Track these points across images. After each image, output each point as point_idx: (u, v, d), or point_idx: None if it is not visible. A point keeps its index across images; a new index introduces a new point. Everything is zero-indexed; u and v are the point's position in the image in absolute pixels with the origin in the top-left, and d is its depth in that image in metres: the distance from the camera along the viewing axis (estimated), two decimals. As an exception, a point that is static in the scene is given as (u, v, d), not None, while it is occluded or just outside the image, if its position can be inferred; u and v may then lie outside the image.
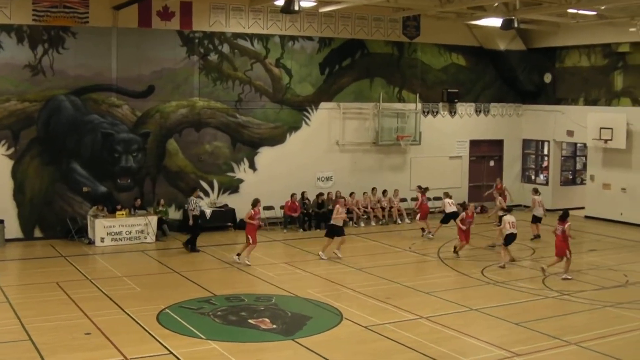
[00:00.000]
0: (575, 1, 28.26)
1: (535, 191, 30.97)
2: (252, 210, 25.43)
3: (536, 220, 30.27)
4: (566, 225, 23.64)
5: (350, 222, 33.03)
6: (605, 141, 34.37)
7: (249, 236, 25.22)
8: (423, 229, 30.59)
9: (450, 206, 29.99)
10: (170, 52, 30.54)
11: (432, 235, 30.18)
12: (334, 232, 26.46)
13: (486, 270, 24.80)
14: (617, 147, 34.16)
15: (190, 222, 27.68)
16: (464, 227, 26.72)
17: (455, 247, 27.15)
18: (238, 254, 25.52)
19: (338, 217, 26.43)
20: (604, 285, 23.28)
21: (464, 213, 27.10)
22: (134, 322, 18.51)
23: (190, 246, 27.54)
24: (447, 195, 30.54)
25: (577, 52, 37.33)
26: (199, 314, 19.43)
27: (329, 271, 24.59)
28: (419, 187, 31.81)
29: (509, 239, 25.86)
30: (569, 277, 23.52)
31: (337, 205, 26.94)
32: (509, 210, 27.53)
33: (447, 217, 30.03)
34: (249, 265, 25.01)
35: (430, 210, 31.64)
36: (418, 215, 30.90)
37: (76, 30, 28.74)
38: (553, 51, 38.29)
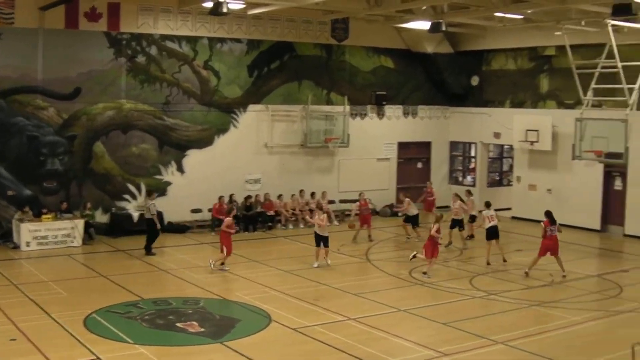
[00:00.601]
0: (502, 5, 28.59)
1: (469, 192, 31.30)
2: (229, 218, 25.34)
3: (471, 219, 30.54)
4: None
5: (279, 225, 33.13)
6: (532, 143, 34.88)
7: (224, 245, 25.01)
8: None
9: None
10: (98, 54, 30.22)
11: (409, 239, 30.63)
12: (320, 239, 26.08)
13: (414, 271, 24.96)
14: (543, 149, 34.69)
15: (158, 225, 27.73)
16: (440, 236, 25.32)
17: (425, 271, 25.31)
18: (213, 262, 25.23)
19: (319, 224, 26.14)
20: (530, 285, 23.63)
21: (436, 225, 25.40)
22: (61, 328, 18.32)
23: (146, 250, 27.56)
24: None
25: (504, 55, 37.83)
26: (126, 318, 19.30)
27: (258, 274, 24.56)
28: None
29: (489, 232, 26.29)
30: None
31: (315, 216, 26.82)
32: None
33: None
34: (224, 270, 24.91)
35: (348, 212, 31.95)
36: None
37: (1, 31, 28.27)
38: (480, 54, 38.75)
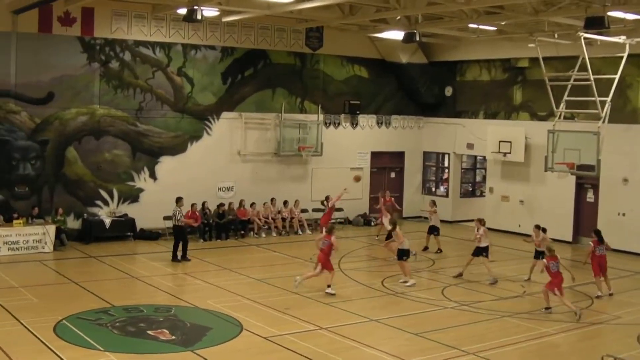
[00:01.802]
0: (476, 16, 28.74)
1: (434, 203, 31.33)
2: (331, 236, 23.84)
3: (432, 231, 30.60)
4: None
5: (251, 233, 33.07)
6: (504, 154, 35.02)
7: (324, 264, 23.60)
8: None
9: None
10: (71, 59, 30.08)
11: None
12: None
13: (386, 281, 24.97)
14: (516, 160, 34.86)
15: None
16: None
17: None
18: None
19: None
20: (502, 296, 23.70)
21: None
22: (30, 334, 18.16)
23: (182, 255, 27.59)
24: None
25: (478, 66, 38.02)
26: (96, 325, 19.16)
27: (229, 282, 24.48)
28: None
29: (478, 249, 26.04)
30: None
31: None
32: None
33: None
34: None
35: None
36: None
37: (-26, 35, 28.22)
38: (454, 65, 38.93)
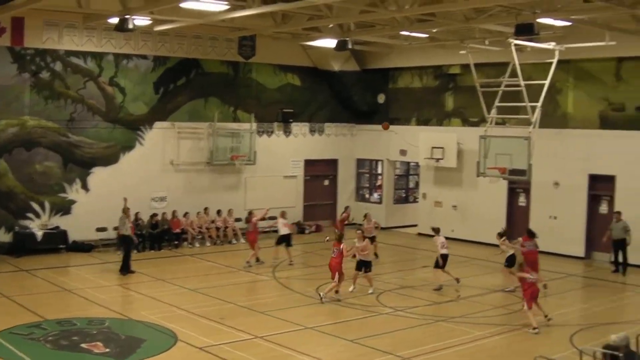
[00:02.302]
0: (408, 24, 28.90)
1: (369, 218, 31.29)
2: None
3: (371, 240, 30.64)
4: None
5: (185, 243, 32.92)
6: (437, 160, 35.32)
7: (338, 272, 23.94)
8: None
9: (283, 227, 29.90)
10: (1, 69, 29.65)
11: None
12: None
13: (320, 288, 24.99)
14: (448, 166, 35.19)
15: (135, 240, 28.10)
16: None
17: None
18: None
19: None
20: (436, 301, 23.92)
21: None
22: (-39, 350, 17.93)
23: (124, 269, 27.31)
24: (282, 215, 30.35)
25: (410, 74, 38.30)
26: (29, 339, 18.90)
27: (163, 293, 24.32)
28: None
29: (444, 259, 25.90)
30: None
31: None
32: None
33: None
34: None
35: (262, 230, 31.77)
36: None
37: None
38: (386, 72, 39.17)
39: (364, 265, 24.90)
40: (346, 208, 34.12)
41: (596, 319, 22.18)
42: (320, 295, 23.68)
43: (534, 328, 20.52)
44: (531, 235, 25.64)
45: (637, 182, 29.82)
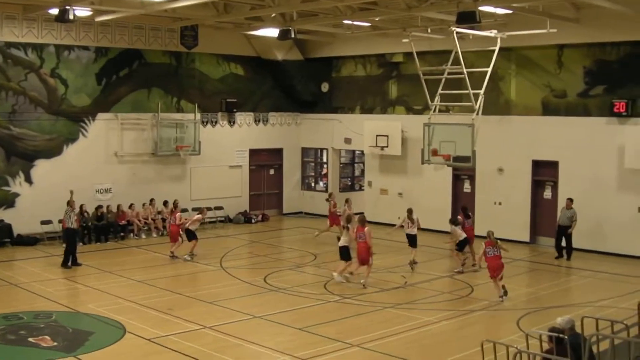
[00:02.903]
0: (350, 13, 28.99)
1: (347, 201, 31.44)
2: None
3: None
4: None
5: (131, 235, 32.76)
6: (382, 148, 35.47)
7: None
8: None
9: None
10: (-61, 63, 29.35)
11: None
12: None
13: (269, 277, 25.02)
14: (393, 154, 35.35)
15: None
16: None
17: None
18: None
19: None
20: (383, 288, 24.05)
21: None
22: None
23: (72, 261, 27.05)
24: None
25: (353, 62, 38.39)
26: (-25, 334, 18.77)
27: (110, 285, 24.19)
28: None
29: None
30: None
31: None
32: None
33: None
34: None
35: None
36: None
37: None
38: (330, 61, 39.21)
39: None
40: (330, 194, 34.13)
41: (542, 303, 22.46)
42: (333, 275, 24.72)
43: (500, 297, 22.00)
44: (467, 215, 27.61)
45: (579, 167, 30.24)
